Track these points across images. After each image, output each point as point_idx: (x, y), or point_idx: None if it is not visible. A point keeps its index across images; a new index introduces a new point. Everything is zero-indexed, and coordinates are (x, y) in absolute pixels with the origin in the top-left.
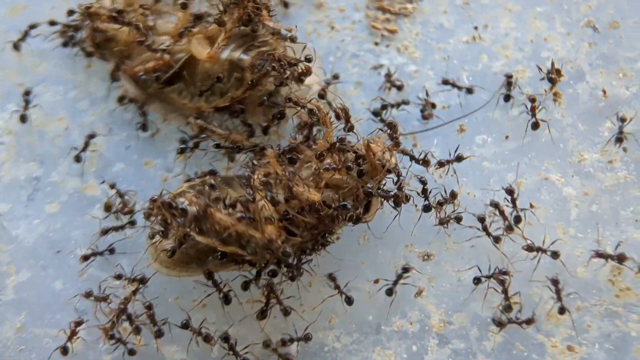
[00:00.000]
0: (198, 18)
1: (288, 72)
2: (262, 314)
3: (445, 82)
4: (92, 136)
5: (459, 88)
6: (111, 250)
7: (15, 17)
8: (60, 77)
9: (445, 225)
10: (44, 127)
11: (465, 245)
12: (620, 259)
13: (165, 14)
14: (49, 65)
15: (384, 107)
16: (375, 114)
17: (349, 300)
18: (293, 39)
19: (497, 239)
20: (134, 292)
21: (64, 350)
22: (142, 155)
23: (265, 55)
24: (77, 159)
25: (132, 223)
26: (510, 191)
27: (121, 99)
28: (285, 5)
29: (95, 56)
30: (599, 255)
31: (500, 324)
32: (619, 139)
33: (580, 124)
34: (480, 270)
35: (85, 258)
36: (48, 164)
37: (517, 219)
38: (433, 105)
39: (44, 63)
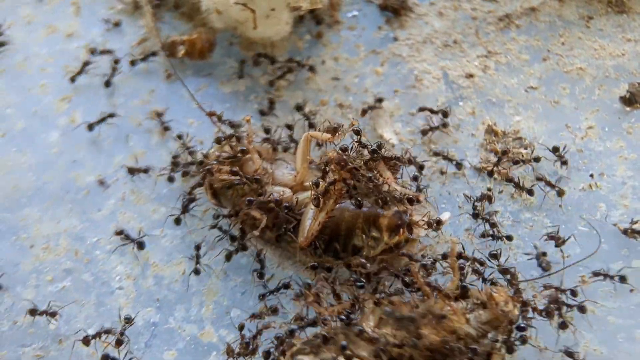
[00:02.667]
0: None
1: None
2: None
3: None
4: None
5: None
6: None
7: (132, 162)
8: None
9: None
10: (161, 272)
11: None
12: None
13: (282, 163)
14: (166, 210)
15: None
16: (493, 256)
17: None
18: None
19: None
20: None
21: None
22: (257, 302)
23: (402, 216)
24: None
25: None
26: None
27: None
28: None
29: (212, 202)
30: None
31: None
32: None
33: None
34: None
35: None
36: (165, 310)
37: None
38: (544, 254)
39: (161, 208)
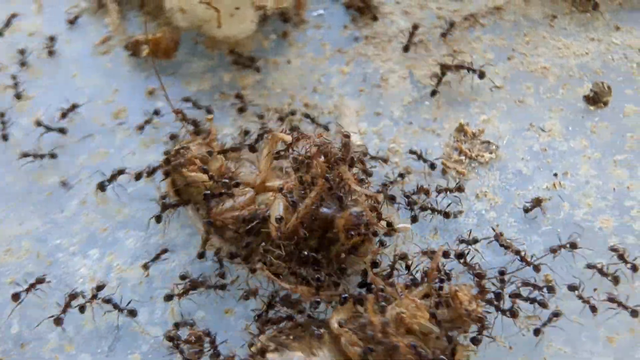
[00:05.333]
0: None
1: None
2: None
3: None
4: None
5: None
6: None
7: (95, 162)
8: (141, 222)
9: None
10: (125, 274)
11: None
12: None
13: (246, 163)
14: (130, 211)
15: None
16: (459, 256)
17: None
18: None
19: None
20: None
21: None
22: (222, 304)
23: (359, 217)
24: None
25: None
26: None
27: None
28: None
29: (174, 200)
30: None
31: None
32: None
33: None
34: None
35: None
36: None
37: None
38: (517, 252)
39: (124, 209)
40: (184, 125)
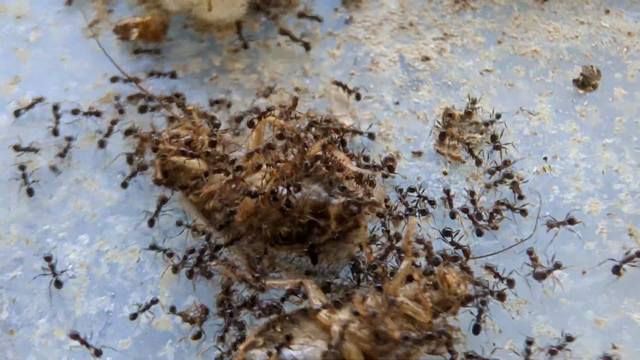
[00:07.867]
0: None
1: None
2: None
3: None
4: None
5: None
6: None
7: (85, 147)
8: (131, 208)
9: None
10: (116, 259)
11: None
12: None
13: (233, 145)
14: (119, 196)
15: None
16: (446, 234)
17: None
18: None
19: None
20: None
21: None
22: (213, 289)
23: (355, 204)
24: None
25: None
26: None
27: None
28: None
29: (163, 185)
30: None
31: None
32: None
33: None
34: None
35: None
36: (119, 298)
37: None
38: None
39: (114, 194)
40: (145, 91)
